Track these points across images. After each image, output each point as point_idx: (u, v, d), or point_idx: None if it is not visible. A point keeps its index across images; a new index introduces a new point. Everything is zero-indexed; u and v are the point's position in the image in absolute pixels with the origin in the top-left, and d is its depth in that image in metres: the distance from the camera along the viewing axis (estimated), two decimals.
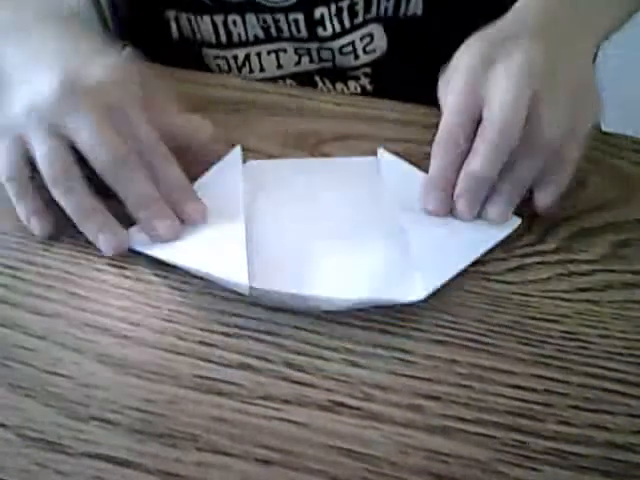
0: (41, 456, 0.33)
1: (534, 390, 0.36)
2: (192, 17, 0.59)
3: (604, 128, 0.51)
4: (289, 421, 0.34)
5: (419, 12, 0.59)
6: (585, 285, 0.41)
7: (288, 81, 0.62)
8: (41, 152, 0.40)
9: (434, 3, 0.59)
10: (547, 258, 0.42)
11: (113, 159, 0.40)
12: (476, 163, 0.41)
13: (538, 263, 0.42)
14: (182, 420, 0.34)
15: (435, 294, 0.40)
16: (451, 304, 0.40)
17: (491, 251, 0.42)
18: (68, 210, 0.41)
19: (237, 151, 0.47)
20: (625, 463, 0.33)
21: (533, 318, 0.39)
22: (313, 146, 0.49)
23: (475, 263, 0.41)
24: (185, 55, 0.60)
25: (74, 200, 0.41)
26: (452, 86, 0.43)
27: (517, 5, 0.47)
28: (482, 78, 0.42)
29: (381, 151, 0.48)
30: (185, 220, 0.42)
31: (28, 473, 0.33)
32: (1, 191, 0.46)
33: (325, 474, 0.33)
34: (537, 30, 0.44)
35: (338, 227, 0.43)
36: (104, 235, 0.41)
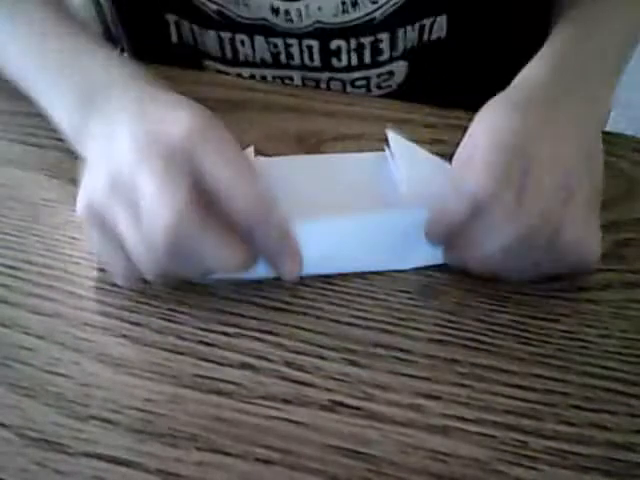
0: (41, 456, 0.33)
1: (534, 389, 0.36)
2: (196, 28, 0.57)
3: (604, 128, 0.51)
4: (289, 421, 0.34)
5: (443, 35, 0.57)
6: (585, 284, 0.41)
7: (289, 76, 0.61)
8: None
9: (458, 25, 0.57)
10: None
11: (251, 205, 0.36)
12: None
13: None
14: (182, 420, 0.34)
15: (435, 293, 0.40)
16: (451, 304, 0.40)
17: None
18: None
19: (249, 152, 0.46)
20: (625, 462, 0.33)
21: (533, 317, 0.39)
22: (313, 146, 0.49)
23: None
24: (184, 60, 0.59)
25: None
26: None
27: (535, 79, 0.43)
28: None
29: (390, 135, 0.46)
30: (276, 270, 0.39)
31: (28, 473, 0.33)
32: (1, 191, 0.46)
33: (325, 474, 0.33)
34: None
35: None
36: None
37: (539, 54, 0.44)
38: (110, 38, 0.69)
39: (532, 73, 0.43)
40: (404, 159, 0.44)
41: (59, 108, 0.43)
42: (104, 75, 0.43)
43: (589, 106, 0.42)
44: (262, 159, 0.47)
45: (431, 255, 0.41)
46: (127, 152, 0.36)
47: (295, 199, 0.43)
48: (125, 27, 0.65)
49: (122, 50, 0.70)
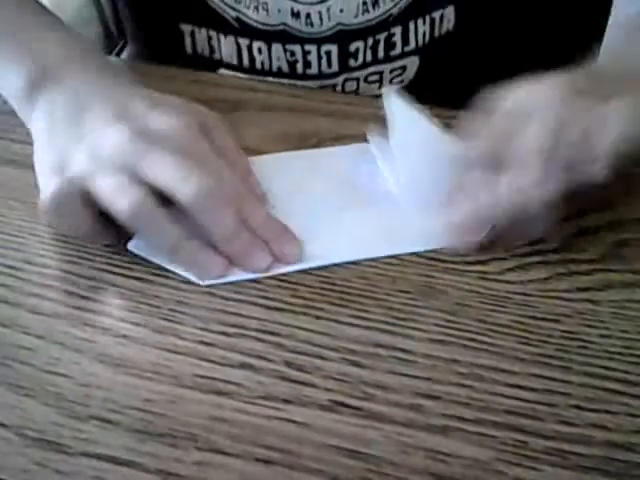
0: (41, 456, 0.33)
1: (534, 390, 0.36)
2: (213, 34, 0.57)
3: None
4: (289, 421, 0.34)
5: (451, 27, 0.58)
6: (585, 285, 0.41)
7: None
8: (110, 189, 0.38)
9: (466, 16, 0.58)
10: (547, 257, 0.42)
11: (199, 191, 0.38)
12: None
13: (538, 262, 0.42)
14: (182, 420, 0.34)
15: (435, 293, 0.40)
16: (451, 304, 0.40)
17: (491, 250, 0.42)
18: (157, 242, 0.40)
19: None
20: (625, 463, 0.33)
21: (533, 318, 0.39)
22: (313, 146, 0.49)
23: (475, 263, 0.42)
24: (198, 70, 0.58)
25: (163, 231, 0.39)
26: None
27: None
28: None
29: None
30: (278, 260, 0.41)
31: (28, 473, 0.32)
32: (1, 190, 0.46)
33: (325, 474, 0.33)
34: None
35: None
36: (203, 259, 0.40)
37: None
38: (109, 37, 0.69)
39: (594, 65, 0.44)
40: (400, 136, 0.44)
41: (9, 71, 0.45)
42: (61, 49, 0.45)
43: None
44: (250, 159, 0.47)
45: (423, 240, 0.42)
46: (116, 134, 0.39)
47: (285, 195, 0.44)
48: (140, 38, 0.65)
49: (120, 52, 0.70)
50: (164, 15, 0.58)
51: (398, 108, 0.44)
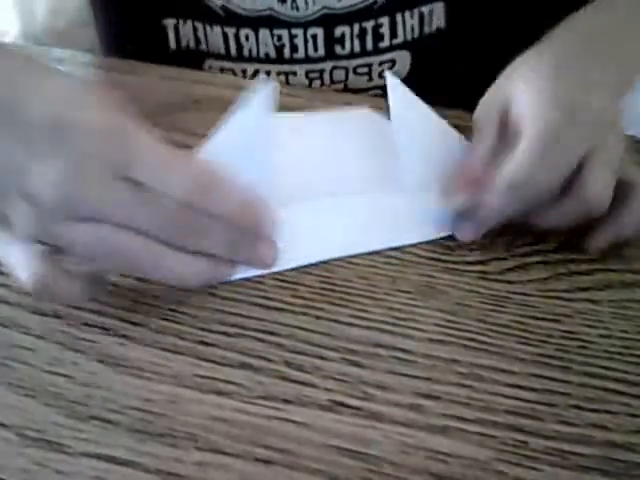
0: (41, 456, 0.33)
1: (534, 390, 0.36)
2: (199, 26, 0.57)
3: None
4: (289, 421, 0.34)
5: (442, 25, 0.58)
6: (585, 284, 0.41)
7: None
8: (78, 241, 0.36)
9: (457, 15, 0.58)
10: (547, 257, 0.42)
11: (180, 230, 0.37)
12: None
13: (538, 262, 0.42)
14: (182, 420, 0.34)
15: (435, 293, 0.40)
16: (451, 304, 0.40)
17: (491, 250, 0.42)
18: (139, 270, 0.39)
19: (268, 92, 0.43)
20: (625, 463, 0.33)
21: (533, 317, 0.39)
22: None
23: (475, 263, 0.42)
24: (182, 66, 0.59)
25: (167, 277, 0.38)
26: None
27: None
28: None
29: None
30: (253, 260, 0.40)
31: (28, 473, 0.32)
32: None
33: (325, 474, 0.33)
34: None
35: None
36: (211, 271, 0.39)
37: (563, 22, 0.45)
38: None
39: (559, 39, 0.44)
40: (402, 125, 0.44)
41: None
42: None
43: (617, 72, 0.43)
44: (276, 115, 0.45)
45: (429, 230, 0.43)
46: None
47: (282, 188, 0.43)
48: (118, 39, 0.65)
49: None
50: (146, 13, 0.58)
51: (400, 93, 0.44)
